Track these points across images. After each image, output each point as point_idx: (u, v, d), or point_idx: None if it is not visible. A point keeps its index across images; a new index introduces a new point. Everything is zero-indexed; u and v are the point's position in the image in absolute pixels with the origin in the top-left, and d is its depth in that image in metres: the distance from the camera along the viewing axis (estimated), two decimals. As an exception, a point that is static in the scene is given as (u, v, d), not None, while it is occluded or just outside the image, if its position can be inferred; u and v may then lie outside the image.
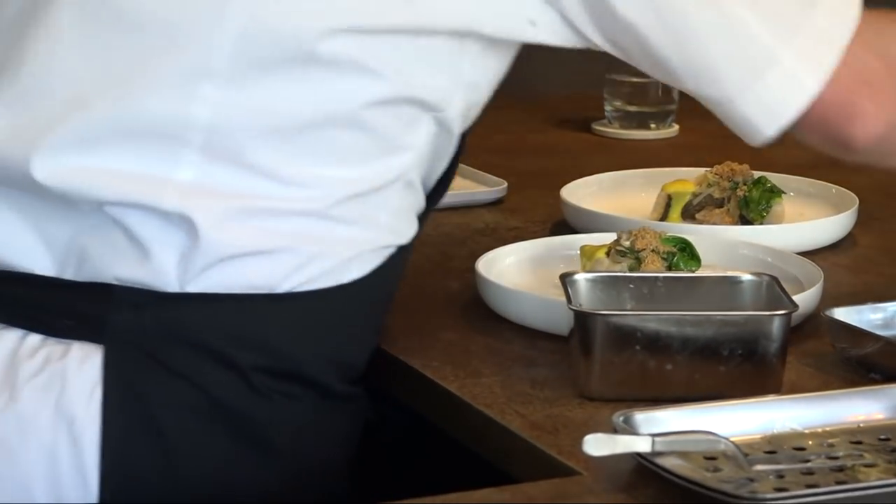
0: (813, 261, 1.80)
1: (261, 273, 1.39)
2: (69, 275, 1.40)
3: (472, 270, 1.75)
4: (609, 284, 1.53)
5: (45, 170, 1.35)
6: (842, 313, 1.55)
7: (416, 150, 1.45)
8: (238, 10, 1.34)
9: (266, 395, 1.40)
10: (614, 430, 1.28)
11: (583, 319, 1.44)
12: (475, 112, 1.49)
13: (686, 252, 1.66)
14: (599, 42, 1.43)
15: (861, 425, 1.35)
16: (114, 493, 1.37)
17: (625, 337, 1.43)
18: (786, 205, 2.02)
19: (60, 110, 1.37)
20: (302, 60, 1.36)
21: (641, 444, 1.25)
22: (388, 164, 1.43)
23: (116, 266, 1.39)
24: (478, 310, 1.71)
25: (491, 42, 1.41)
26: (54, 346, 1.40)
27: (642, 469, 1.25)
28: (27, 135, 1.37)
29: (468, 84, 1.44)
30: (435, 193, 1.53)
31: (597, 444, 1.24)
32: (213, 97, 1.36)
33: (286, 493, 1.41)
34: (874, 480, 1.24)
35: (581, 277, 1.52)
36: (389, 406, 1.75)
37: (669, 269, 1.63)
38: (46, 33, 1.38)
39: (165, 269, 1.38)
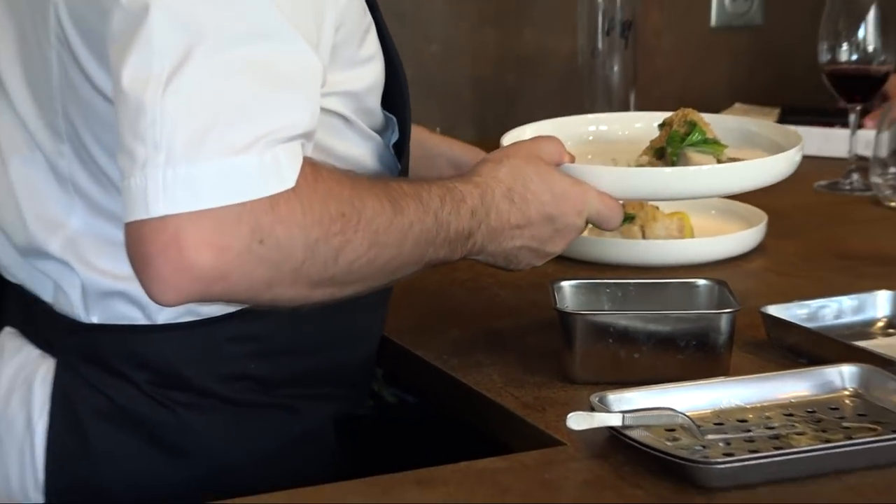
0: (747, 267, 1.81)
1: (139, 308, 1.34)
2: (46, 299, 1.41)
3: (473, 279, 1.75)
4: (590, 290, 1.54)
5: None
6: (774, 309, 1.56)
7: None
8: None
9: (167, 405, 1.37)
10: (591, 409, 1.28)
11: (566, 318, 1.45)
12: None
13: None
14: None
15: (792, 401, 1.36)
16: (52, 490, 1.37)
17: (600, 332, 1.44)
18: (710, 220, 2.03)
19: None
20: None
21: (614, 420, 1.25)
22: None
23: (55, 299, 1.39)
24: (478, 311, 1.71)
25: None
26: (30, 353, 1.41)
27: (615, 440, 1.26)
28: None
29: None
30: None
31: (577, 420, 1.25)
32: None
33: (199, 489, 1.34)
34: (804, 446, 1.25)
35: (566, 284, 1.52)
36: (409, 392, 1.75)
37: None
38: None
39: (74, 303, 1.37)
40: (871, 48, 2.28)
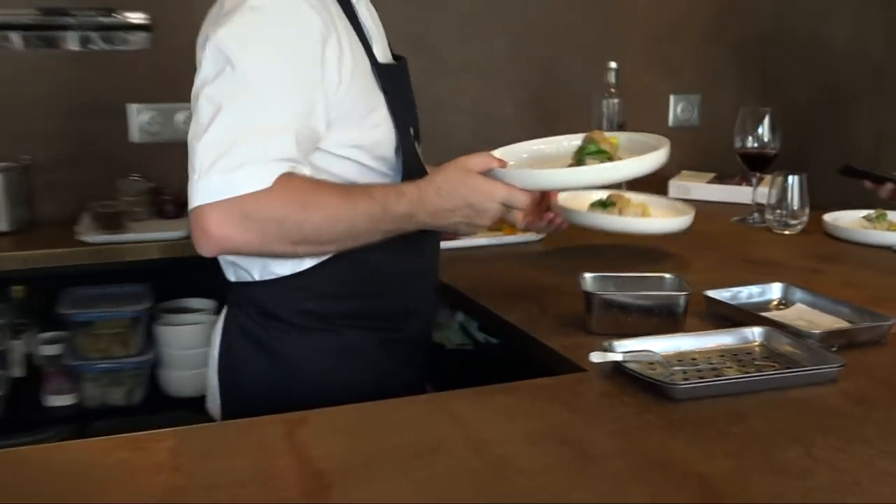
0: (693, 267, 1.74)
1: (246, 271, 1.38)
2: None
3: (534, 274, 1.71)
4: (603, 279, 1.47)
5: None
6: (711, 293, 1.51)
7: None
8: None
9: (265, 328, 1.38)
10: (604, 349, 1.24)
11: (588, 295, 1.40)
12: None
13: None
14: None
15: (723, 348, 1.31)
16: (222, 381, 1.43)
17: (608, 304, 1.39)
18: (663, 209, 1.93)
19: None
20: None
21: (618, 357, 1.22)
22: None
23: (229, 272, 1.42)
24: (535, 291, 1.65)
25: None
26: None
27: (618, 369, 1.22)
28: None
29: None
30: None
31: (596, 357, 1.23)
32: None
33: (282, 379, 1.37)
34: (732, 375, 1.21)
35: (588, 276, 1.47)
36: (493, 336, 1.72)
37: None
38: None
39: (227, 271, 1.41)
40: (765, 139, 2.22)
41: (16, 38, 2.32)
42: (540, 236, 2.01)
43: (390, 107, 1.37)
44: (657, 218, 1.88)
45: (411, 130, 1.43)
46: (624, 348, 1.25)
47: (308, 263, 1.35)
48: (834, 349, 1.29)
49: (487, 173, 1.31)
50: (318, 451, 1.01)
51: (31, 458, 1.01)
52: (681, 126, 2.98)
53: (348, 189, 1.28)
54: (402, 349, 1.46)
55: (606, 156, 1.44)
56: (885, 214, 2.12)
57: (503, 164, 1.35)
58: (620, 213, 1.84)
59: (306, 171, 1.24)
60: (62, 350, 2.26)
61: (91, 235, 2.18)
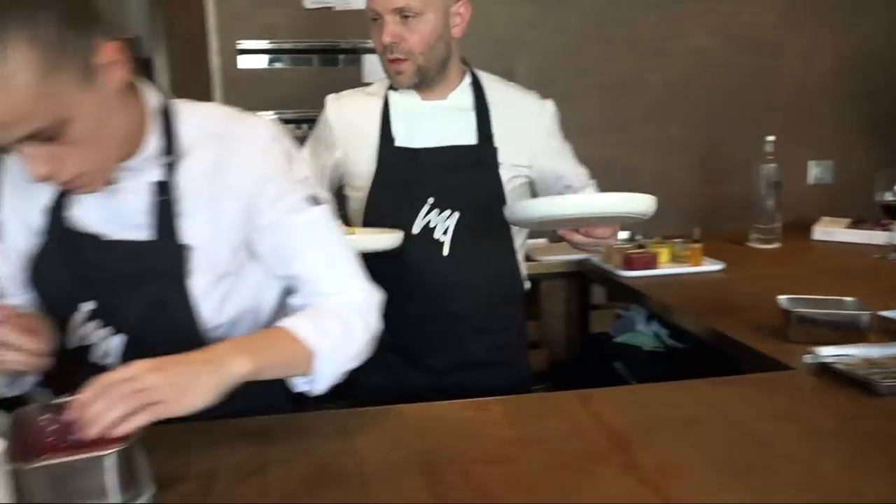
0: (865, 294, 1.63)
1: None
2: None
3: (713, 283, 1.65)
4: (797, 300, 1.38)
5: None
6: (884, 312, 1.42)
7: None
8: None
9: None
10: (808, 354, 1.20)
11: (787, 313, 1.35)
12: None
13: None
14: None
15: (904, 356, 1.24)
16: None
17: (804, 319, 1.34)
18: None
19: None
20: None
21: (829, 358, 1.19)
22: None
23: None
24: (725, 303, 1.58)
25: None
26: None
27: (825, 367, 1.19)
28: None
29: None
30: None
31: (807, 358, 1.19)
32: None
33: None
34: None
35: (783, 298, 1.39)
36: (682, 342, 1.66)
37: None
38: None
39: None
40: (900, 194, 2.09)
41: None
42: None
43: (382, 176, 1.41)
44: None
45: (431, 199, 1.39)
46: (827, 352, 1.21)
47: None
48: None
49: None
50: (610, 417, 1.03)
51: (407, 413, 1.08)
52: (817, 184, 2.83)
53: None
54: (384, 358, 1.37)
55: None
56: None
57: None
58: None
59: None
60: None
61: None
